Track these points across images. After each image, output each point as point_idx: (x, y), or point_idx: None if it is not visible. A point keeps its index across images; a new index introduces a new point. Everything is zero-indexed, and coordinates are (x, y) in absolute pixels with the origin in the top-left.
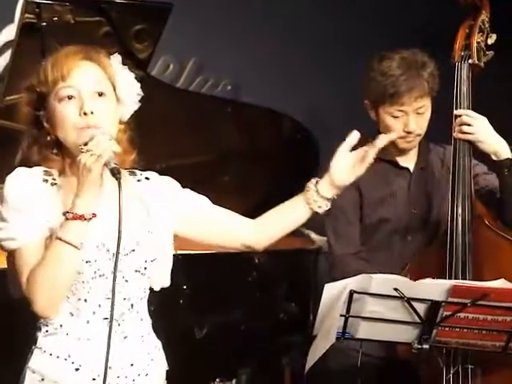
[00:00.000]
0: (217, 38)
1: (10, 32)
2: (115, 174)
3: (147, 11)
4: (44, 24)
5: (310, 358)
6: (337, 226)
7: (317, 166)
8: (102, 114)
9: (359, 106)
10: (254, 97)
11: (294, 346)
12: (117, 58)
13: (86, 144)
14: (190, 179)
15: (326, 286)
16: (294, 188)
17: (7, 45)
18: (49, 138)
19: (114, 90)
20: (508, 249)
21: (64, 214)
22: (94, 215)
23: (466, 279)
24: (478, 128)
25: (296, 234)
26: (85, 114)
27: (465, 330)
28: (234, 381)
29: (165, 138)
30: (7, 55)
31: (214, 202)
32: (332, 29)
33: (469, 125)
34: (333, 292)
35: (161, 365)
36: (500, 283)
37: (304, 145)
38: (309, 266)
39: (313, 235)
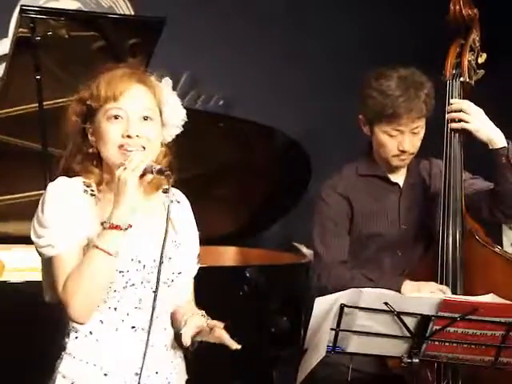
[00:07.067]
0: (210, 53)
1: (4, 46)
2: (163, 172)
3: (141, 25)
4: (38, 38)
5: (301, 371)
6: (326, 236)
7: (308, 181)
8: (147, 137)
9: (350, 122)
10: (246, 112)
11: (285, 359)
12: (167, 82)
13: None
14: (184, 193)
15: (316, 299)
16: (285, 202)
17: (2, 58)
18: (91, 150)
19: (161, 114)
20: (498, 263)
21: (102, 223)
22: (130, 226)
23: (456, 294)
24: (475, 116)
25: (287, 248)
26: (128, 136)
27: (454, 345)
28: None
29: None
30: (1, 69)
31: (206, 217)
32: (325, 45)
33: (466, 113)
34: (323, 306)
35: (182, 374)
36: (489, 298)
37: (296, 160)
38: (300, 279)
39: (304, 249)
